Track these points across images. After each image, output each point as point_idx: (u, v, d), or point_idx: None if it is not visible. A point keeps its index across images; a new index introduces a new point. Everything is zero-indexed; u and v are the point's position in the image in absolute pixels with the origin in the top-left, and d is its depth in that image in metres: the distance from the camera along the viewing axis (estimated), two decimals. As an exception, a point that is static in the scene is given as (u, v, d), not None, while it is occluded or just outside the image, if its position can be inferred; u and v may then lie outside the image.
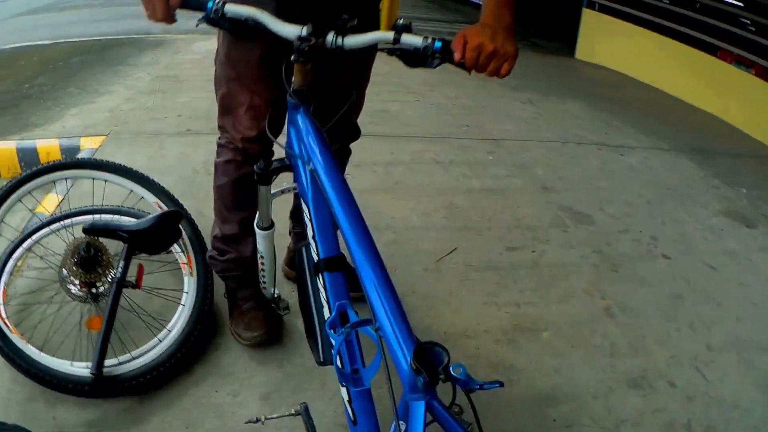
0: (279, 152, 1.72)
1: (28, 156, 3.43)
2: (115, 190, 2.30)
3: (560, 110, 5.13)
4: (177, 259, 2.24)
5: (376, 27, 1.66)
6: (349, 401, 1.23)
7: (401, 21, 1.43)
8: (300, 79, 1.57)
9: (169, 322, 2.05)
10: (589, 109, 5.22)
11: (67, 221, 2.20)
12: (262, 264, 2.01)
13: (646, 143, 4.51)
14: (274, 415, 1.49)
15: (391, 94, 4.91)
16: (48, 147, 3.48)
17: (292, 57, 1.49)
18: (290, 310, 2.17)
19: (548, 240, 2.99)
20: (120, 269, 1.92)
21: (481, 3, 1.44)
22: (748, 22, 5.84)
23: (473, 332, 2.32)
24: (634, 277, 2.79)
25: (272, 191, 1.83)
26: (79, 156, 3.39)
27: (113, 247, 2.06)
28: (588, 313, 2.50)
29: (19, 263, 2.20)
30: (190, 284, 2.13)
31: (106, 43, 6.32)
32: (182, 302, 2.09)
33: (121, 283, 1.91)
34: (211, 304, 2.14)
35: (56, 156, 3.40)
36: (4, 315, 1.92)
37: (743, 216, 3.51)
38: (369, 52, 1.88)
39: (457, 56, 1.33)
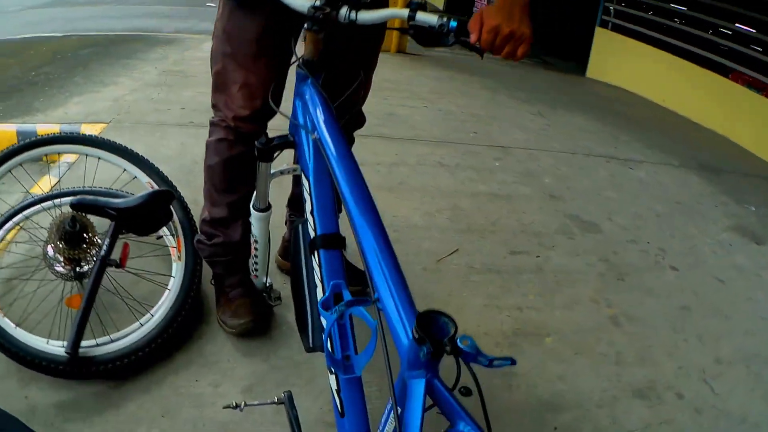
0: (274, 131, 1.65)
1: (28, 139, 3.35)
2: (110, 172, 2.23)
3: (570, 123, 5.07)
4: (167, 244, 2.16)
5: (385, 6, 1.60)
6: (338, 390, 1.13)
7: None
8: (311, 49, 1.52)
9: (153, 306, 1.96)
10: (599, 123, 5.16)
11: (58, 200, 2.11)
12: (256, 249, 1.93)
13: (655, 159, 4.44)
14: (255, 402, 1.38)
15: (400, 100, 4.86)
16: (48, 131, 3.37)
17: (306, 25, 1.46)
18: (282, 302, 2.08)
19: (554, 246, 2.90)
20: (105, 246, 1.83)
21: None
22: (760, 49, 5.82)
23: (472, 334, 2.17)
24: (641, 287, 2.70)
25: (272, 171, 1.76)
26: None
27: (104, 227, 1.97)
28: (593, 321, 2.40)
29: (8, 237, 2.13)
30: (177, 269, 2.04)
31: (117, 38, 6.32)
32: (168, 287, 2.00)
33: (105, 261, 1.81)
34: (198, 290, 2.05)
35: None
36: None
37: (752, 233, 3.43)
38: (379, 32, 1.85)
39: (473, 38, 1.29)
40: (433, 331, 0.89)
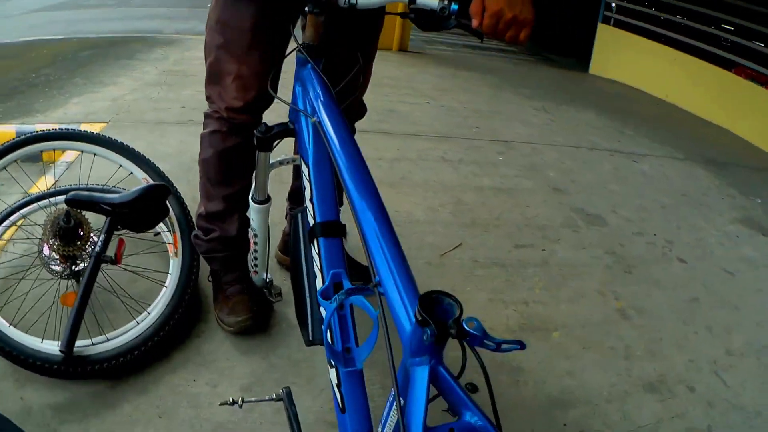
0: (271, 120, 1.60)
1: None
2: (108, 170, 2.20)
3: (573, 118, 5.02)
4: (164, 240, 2.12)
5: None
6: (338, 384, 1.08)
7: None
8: (312, 33, 1.51)
9: (150, 304, 1.91)
10: (602, 118, 5.11)
11: (54, 198, 2.07)
12: (255, 244, 1.89)
13: (659, 152, 4.40)
14: (253, 399, 1.34)
15: (401, 97, 4.82)
16: (46, 131, 3.39)
17: (306, 8, 1.45)
18: (282, 298, 2.04)
19: (559, 239, 2.85)
20: (100, 243, 1.78)
21: None
22: (762, 44, 5.78)
23: (477, 329, 2.16)
24: (649, 279, 2.65)
25: (271, 161, 1.72)
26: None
27: (101, 224, 1.93)
28: (601, 314, 2.35)
29: (5, 236, 2.09)
30: (174, 266, 2.00)
31: (117, 39, 6.30)
32: (165, 284, 1.96)
33: (99, 257, 1.77)
34: (195, 287, 2.01)
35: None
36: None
37: (759, 225, 3.38)
38: (378, 18, 1.82)
39: (475, 23, 1.26)
40: (437, 313, 0.84)
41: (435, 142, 3.85)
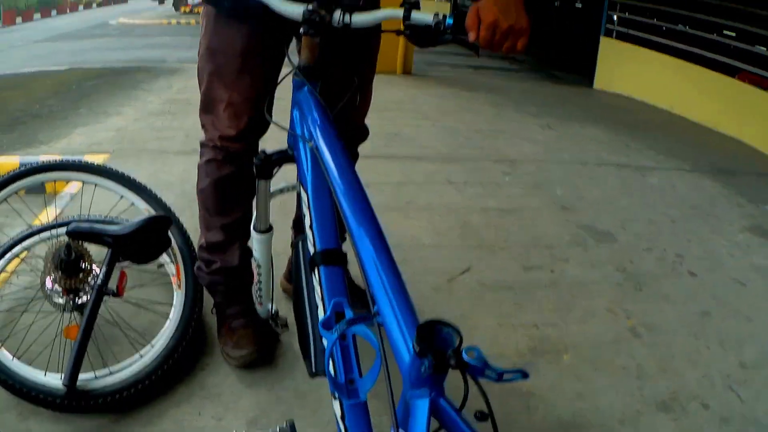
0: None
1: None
2: (111, 201, 2.20)
3: (579, 134, 5.01)
4: (168, 272, 2.10)
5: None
6: (342, 417, 1.05)
7: None
8: (307, 55, 1.48)
9: (153, 337, 1.89)
10: (608, 132, 5.10)
11: (55, 230, 2.06)
12: (259, 275, 1.86)
13: (666, 164, 4.37)
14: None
15: (406, 119, 4.85)
16: (49, 162, 3.39)
17: (301, 30, 1.42)
18: (289, 328, 2.00)
19: (568, 259, 2.81)
20: (102, 275, 1.77)
21: None
22: (764, 49, 5.76)
23: (487, 355, 2.12)
24: (660, 295, 2.61)
25: (272, 189, 1.71)
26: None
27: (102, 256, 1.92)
28: (612, 334, 2.30)
29: (8, 268, 2.08)
30: (178, 298, 1.98)
31: (121, 69, 6.37)
32: (169, 317, 1.94)
33: (102, 290, 1.75)
34: (199, 319, 1.99)
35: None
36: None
37: (769, 232, 3.35)
38: (373, 36, 1.79)
39: (472, 36, 1.25)
40: (436, 343, 0.81)
41: (440, 165, 3.84)
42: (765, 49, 5.76)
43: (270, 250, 1.82)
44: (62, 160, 2.17)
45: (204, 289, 2.00)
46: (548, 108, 5.75)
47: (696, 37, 6.42)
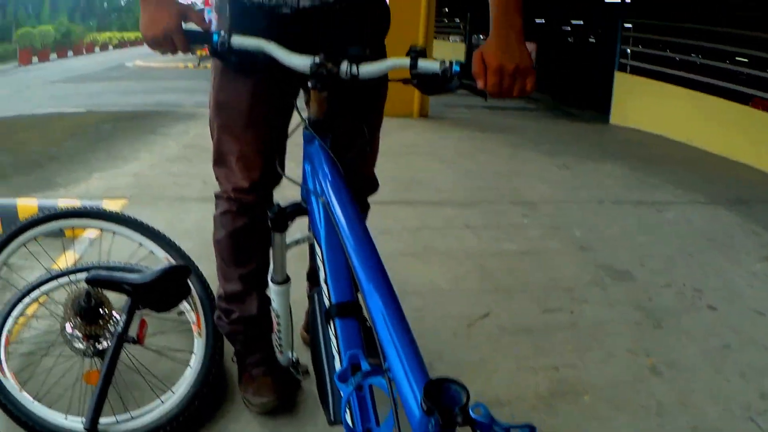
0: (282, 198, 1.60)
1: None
2: (130, 248, 2.21)
3: (596, 171, 5.04)
4: (189, 320, 2.11)
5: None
6: (360, 467, 1.05)
7: (416, 46, 1.36)
8: (317, 109, 1.48)
9: (174, 383, 1.90)
10: (625, 169, 5.12)
11: (74, 276, 2.09)
12: (278, 325, 1.85)
13: (683, 198, 4.39)
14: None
15: (423, 164, 4.90)
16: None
17: (309, 84, 1.42)
18: (310, 375, 2.00)
19: (587, 299, 2.80)
20: (122, 323, 1.78)
21: None
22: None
23: (507, 400, 2.10)
24: (679, 331, 2.58)
25: (287, 241, 1.71)
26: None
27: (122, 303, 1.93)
28: (632, 373, 2.28)
29: (27, 312, 2.10)
30: (198, 345, 1.99)
31: (138, 113, 6.46)
32: (190, 364, 1.95)
33: (122, 338, 1.77)
34: (220, 367, 2.00)
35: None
36: (2, 359, 1.83)
37: (787, 260, 3.32)
38: (380, 87, 1.80)
39: (480, 84, 1.25)
40: (444, 400, 0.82)
41: (458, 209, 3.86)
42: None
43: (288, 300, 1.82)
44: (81, 208, 2.21)
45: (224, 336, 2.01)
46: (564, 146, 5.79)
47: (709, 66, 6.44)
